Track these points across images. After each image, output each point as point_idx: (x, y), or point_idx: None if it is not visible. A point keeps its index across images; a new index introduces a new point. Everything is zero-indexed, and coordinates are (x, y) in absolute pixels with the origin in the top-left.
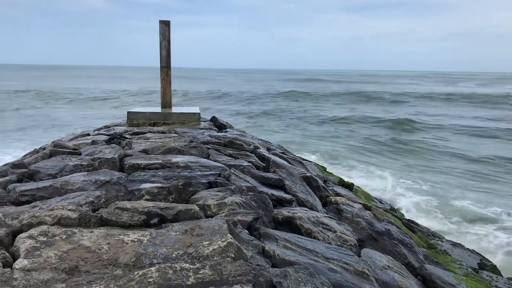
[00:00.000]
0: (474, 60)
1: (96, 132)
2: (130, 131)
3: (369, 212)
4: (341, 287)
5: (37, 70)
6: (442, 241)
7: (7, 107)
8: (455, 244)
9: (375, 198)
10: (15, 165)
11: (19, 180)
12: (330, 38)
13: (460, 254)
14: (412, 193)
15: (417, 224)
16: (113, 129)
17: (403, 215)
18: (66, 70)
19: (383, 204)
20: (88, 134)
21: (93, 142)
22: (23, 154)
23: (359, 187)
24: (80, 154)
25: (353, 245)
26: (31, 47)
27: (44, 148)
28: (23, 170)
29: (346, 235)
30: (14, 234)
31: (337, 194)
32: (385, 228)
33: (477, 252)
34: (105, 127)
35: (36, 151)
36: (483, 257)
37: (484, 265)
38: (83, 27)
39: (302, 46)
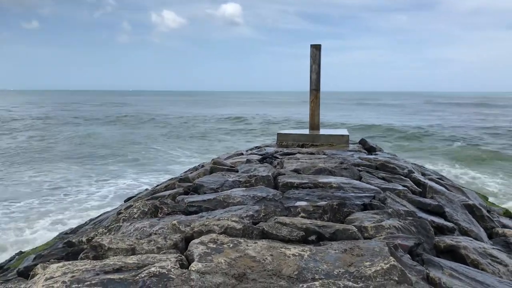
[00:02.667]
0: None
1: (250, 151)
2: (280, 151)
3: None
4: None
5: (197, 95)
6: None
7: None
8: None
9: None
10: (181, 179)
11: (185, 193)
12: (488, 57)
13: None
14: None
15: None
16: (265, 149)
17: None
18: (217, 95)
19: None
20: (242, 154)
21: (248, 161)
22: (185, 171)
23: None
24: (237, 171)
25: None
26: (187, 75)
27: (202, 166)
28: (188, 184)
29: None
30: (187, 239)
31: (504, 226)
32: None
33: None
34: (256, 147)
35: (195, 168)
36: None
37: None
38: (231, 54)
39: (453, 67)
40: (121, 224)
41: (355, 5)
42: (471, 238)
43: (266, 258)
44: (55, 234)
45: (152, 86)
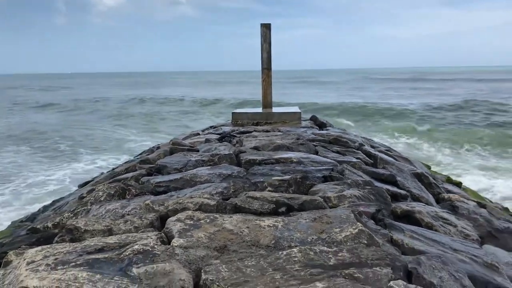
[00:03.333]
0: None
1: (207, 131)
2: (237, 130)
3: (484, 210)
4: (474, 277)
5: (141, 76)
6: None
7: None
8: None
9: (486, 198)
10: (142, 161)
11: (148, 174)
12: (426, 34)
13: None
14: None
15: None
16: (221, 128)
17: None
18: (162, 76)
19: (495, 204)
20: (199, 134)
21: (207, 141)
22: (140, 153)
23: (467, 187)
24: (197, 151)
25: (475, 240)
26: (130, 55)
27: (158, 147)
28: (150, 165)
29: (467, 230)
30: (161, 218)
31: (449, 191)
32: (505, 226)
33: None
34: (212, 127)
35: (151, 150)
36: None
37: None
38: (174, 34)
39: (396, 44)
40: (89, 207)
41: None
42: (423, 204)
43: (243, 230)
44: (8, 223)
45: (93, 68)
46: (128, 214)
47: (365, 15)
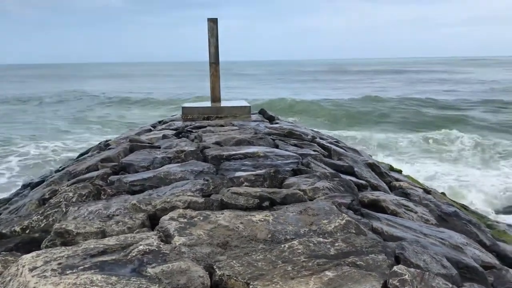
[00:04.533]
0: (494, 43)
1: (160, 127)
2: (190, 125)
3: (430, 195)
4: (448, 258)
5: (65, 68)
6: (498, 223)
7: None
8: (510, 225)
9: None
10: (104, 159)
11: (114, 173)
12: (344, 27)
13: None
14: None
15: (467, 207)
16: (174, 124)
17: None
18: (87, 67)
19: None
20: (151, 129)
21: (164, 137)
22: (86, 149)
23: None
24: (159, 147)
25: (434, 224)
26: (52, 46)
27: (107, 144)
28: (113, 164)
29: (426, 215)
30: (150, 217)
31: (397, 180)
32: (452, 210)
33: None
34: (161, 122)
35: (99, 148)
36: None
37: None
38: (98, 24)
39: (316, 36)
40: (64, 209)
41: None
42: (383, 192)
43: (238, 226)
44: None
45: (12, 60)
46: (116, 215)
47: (286, 5)
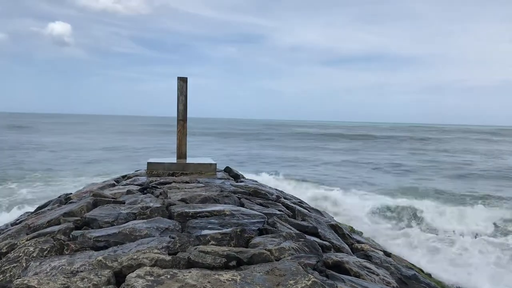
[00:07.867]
0: (445, 112)
1: (124, 182)
2: (155, 180)
3: (390, 258)
4: None
5: (18, 117)
6: None
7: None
8: None
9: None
10: (66, 214)
11: (77, 228)
12: (307, 90)
13: None
14: None
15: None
16: (138, 179)
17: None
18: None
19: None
20: (114, 184)
21: (129, 192)
22: (45, 203)
23: (367, 237)
24: (123, 203)
25: (395, 287)
26: (9, 95)
27: (68, 197)
28: (75, 218)
29: (387, 278)
30: (115, 274)
31: (358, 242)
32: (411, 273)
33: None
34: (125, 177)
35: (60, 201)
36: None
37: None
38: (59, 75)
39: (281, 98)
40: (24, 264)
41: (187, 34)
42: (346, 254)
43: (205, 285)
44: None
45: None
46: (80, 271)
47: (251, 69)
